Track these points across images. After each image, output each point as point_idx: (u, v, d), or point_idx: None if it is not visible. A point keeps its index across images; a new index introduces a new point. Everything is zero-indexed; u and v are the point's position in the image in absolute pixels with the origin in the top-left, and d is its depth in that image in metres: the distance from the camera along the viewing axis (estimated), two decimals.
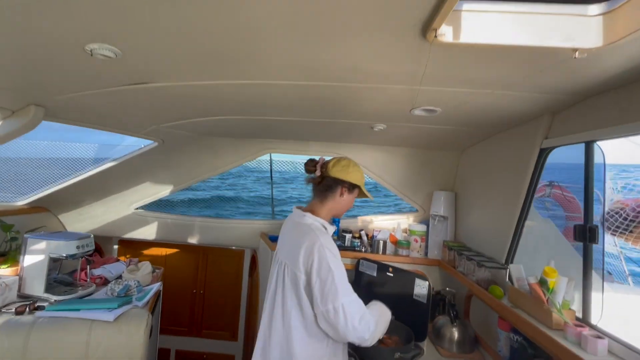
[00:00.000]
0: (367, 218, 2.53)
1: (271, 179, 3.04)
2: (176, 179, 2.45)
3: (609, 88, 1.08)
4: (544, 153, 1.42)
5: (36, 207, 2.29)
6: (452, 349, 1.65)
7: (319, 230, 1.24)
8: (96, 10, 0.73)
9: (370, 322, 1.14)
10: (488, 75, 1.03)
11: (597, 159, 1.20)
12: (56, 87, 1.16)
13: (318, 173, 1.36)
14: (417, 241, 2.21)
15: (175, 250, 3.08)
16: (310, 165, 1.39)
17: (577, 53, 0.83)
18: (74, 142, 2.91)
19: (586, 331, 1.06)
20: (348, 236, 2.29)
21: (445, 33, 0.78)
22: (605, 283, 2.41)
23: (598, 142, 1.18)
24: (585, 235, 1.14)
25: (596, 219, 1.19)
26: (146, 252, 3.04)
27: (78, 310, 1.47)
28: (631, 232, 0.92)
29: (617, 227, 0.93)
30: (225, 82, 1.22)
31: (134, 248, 3.01)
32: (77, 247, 1.72)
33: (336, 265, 1.15)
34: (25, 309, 1.51)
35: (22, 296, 1.66)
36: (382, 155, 2.32)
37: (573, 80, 1.04)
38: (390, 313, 1.33)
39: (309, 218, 1.29)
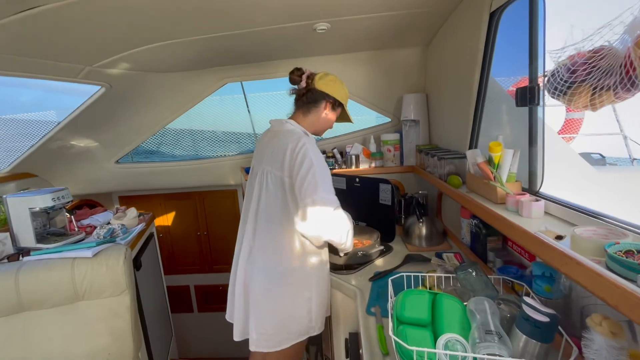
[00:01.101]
0: (340, 137, 2.46)
1: (248, 110, 2.96)
2: (143, 125, 2.42)
3: None
4: (494, 17, 1.24)
5: (22, 174, 2.37)
6: (420, 244, 1.69)
7: (303, 134, 1.23)
8: None
9: (346, 221, 1.17)
10: None
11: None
12: None
13: (303, 84, 1.31)
14: (390, 151, 2.15)
15: (173, 199, 3.21)
16: (296, 74, 1.32)
17: None
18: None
19: (524, 197, 1.03)
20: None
21: None
22: (595, 167, 2.31)
23: None
24: (526, 97, 1.04)
25: None
26: (145, 204, 3.19)
27: (60, 251, 1.58)
28: (565, 93, 0.80)
29: (555, 88, 0.82)
30: None
31: (133, 202, 3.16)
32: (53, 199, 1.80)
33: (319, 163, 1.16)
34: (18, 256, 1.65)
35: (19, 249, 1.81)
36: (341, 65, 2.13)
37: None
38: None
39: (290, 125, 1.27)
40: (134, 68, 1.87)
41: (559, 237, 0.79)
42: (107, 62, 1.68)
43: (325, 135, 2.19)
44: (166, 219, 3.28)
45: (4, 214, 2.05)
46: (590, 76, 0.83)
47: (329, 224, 1.15)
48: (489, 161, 1.20)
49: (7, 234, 1.80)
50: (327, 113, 1.31)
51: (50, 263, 1.52)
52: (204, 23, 1.44)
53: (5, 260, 1.63)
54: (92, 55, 1.57)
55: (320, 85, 1.27)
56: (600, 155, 2.82)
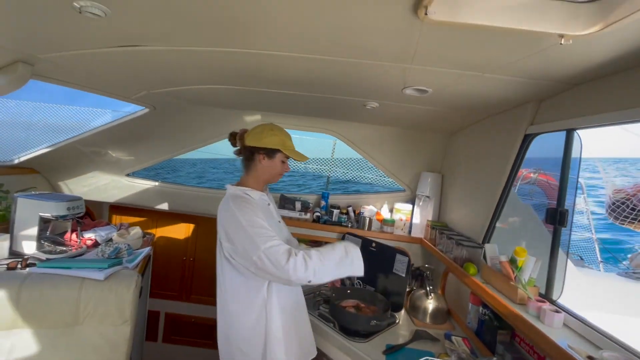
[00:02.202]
0: (355, 196, 2.59)
1: None
2: (168, 147, 2.44)
3: (592, 77, 1.11)
4: (527, 139, 1.46)
5: (25, 168, 2.28)
6: (425, 320, 1.76)
7: (236, 197, 1.30)
8: None
9: (305, 261, 1.16)
10: (477, 58, 1.05)
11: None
12: (44, 45, 1.14)
13: (238, 145, 1.42)
14: (402, 220, 2.28)
15: (166, 218, 3.12)
16: (231, 138, 1.44)
17: (562, 39, 0.84)
18: (69, 105, 2.85)
19: (546, 306, 1.15)
20: (336, 212, 2.35)
21: (437, 11, 0.79)
22: (576, 267, 2.54)
23: (578, 131, 1.23)
24: (556, 218, 1.21)
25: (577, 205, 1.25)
26: (137, 217, 3.07)
27: (69, 268, 1.51)
28: (633, 219, 0.98)
29: (626, 216, 1.00)
30: (217, 50, 1.21)
31: (125, 213, 3.04)
32: (68, 209, 1.75)
33: (247, 221, 1.21)
34: (17, 265, 1.55)
35: (14, 253, 1.69)
36: (373, 134, 2.34)
37: (559, 67, 1.06)
38: (355, 249, 1.30)
39: (230, 189, 1.37)
40: (182, 98, 1.95)
41: (591, 358, 0.90)
42: (164, 91, 1.75)
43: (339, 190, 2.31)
44: (154, 237, 3.16)
45: (6, 210, 1.94)
46: None
47: (284, 267, 1.15)
48: (512, 262, 1.34)
49: (7, 235, 1.70)
50: (265, 163, 1.36)
51: (58, 280, 1.44)
52: (270, 81, 1.58)
53: (4, 267, 1.52)
54: (155, 83, 1.65)
55: (247, 141, 1.35)
56: (580, 257, 3.13)
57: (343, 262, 1.24)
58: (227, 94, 1.85)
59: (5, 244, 1.69)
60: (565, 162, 1.23)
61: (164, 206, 2.81)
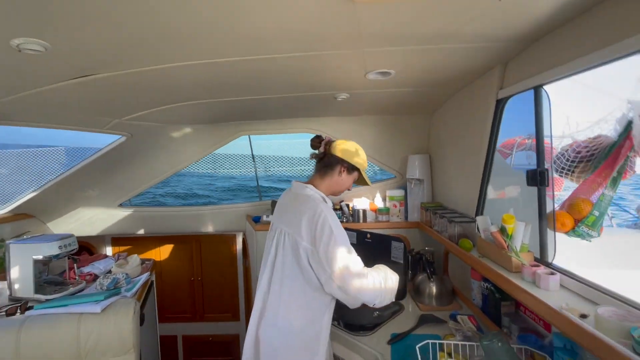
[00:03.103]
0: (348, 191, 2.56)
1: (253, 160, 3.05)
2: (154, 171, 2.45)
3: (546, 30, 1.07)
4: (500, 104, 1.42)
5: (19, 214, 2.31)
6: (431, 303, 1.72)
7: (320, 200, 1.29)
8: (15, 3, 0.72)
9: (373, 281, 1.21)
10: (424, 30, 1.02)
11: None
12: None
13: (322, 150, 1.41)
14: (396, 206, 2.25)
15: (168, 242, 3.14)
16: (316, 141, 1.44)
17: None
18: (50, 147, 2.89)
19: (540, 270, 1.12)
20: None
21: None
22: None
23: (547, 89, 1.19)
24: (537, 178, 1.17)
25: None
26: (139, 247, 3.10)
27: (66, 305, 1.52)
28: (572, 172, 0.95)
29: (563, 168, 0.97)
30: (174, 65, 1.21)
31: (127, 244, 3.06)
32: (60, 247, 1.76)
33: (338, 230, 1.21)
34: (16, 310, 1.56)
35: (14, 299, 1.71)
36: (354, 126, 2.32)
37: (510, 25, 1.03)
38: (396, 276, 1.36)
39: (310, 190, 1.34)
40: (157, 121, 1.96)
41: (584, 316, 0.87)
42: (135, 116, 1.76)
43: None
44: (159, 263, 3.18)
45: (1, 259, 1.96)
46: (593, 157, 0.97)
47: (360, 287, 1.19)
48: (502, 231, 1.30)
49: (5, 282, 1.72)
50: (342, 177, 1.38)
51: (55, 319, 1.45)
52: (233, 89, 1.57)
53: (3, 314, 1.53)
54: (123, 111, 1.65)
55: (336, 151, 1.37)
56: None
57: (392, 288, 1.31)
58: (198, 110, 1.85)
59: (4, 291, 1.70)
60: (538, 121, 1.20)
61: (162, 230, 2.82)
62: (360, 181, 1.48)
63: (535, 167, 1.22)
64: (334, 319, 1.60)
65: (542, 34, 1.11)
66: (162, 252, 3.15)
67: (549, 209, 1.21)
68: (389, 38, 1.08)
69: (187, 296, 3.21)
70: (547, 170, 1.16)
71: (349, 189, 1.47)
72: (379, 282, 1.22)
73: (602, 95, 1.07)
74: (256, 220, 2.37)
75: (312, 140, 1.44)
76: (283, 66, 1.29)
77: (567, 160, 0.96)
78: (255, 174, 3.19)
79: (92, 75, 1.19)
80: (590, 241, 1.09)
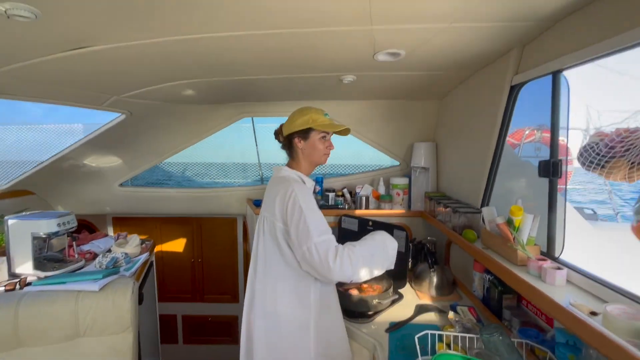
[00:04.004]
0: (350, 176, 2.52)
1: (255, 144, 3.00)
2: (154, 151, 2.42)
3: (571, 10, 1.00)
4: (514, 90, 1.36)
5: (19, 191, 2.29)
6: (431, 293, 1.71)
7: (294, 180, 1.27)
8: None
9: (350, 259, 1.14)
10: (440, 7, 0.96)
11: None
12: None
13: (280, 139, 1.39)
14: (399, 194, 2.21)
15: (169, 224, 3.14)
16: (275, 135, 1.42)
17: None
18: (55, 124, 2.85)
19: (546, 264, 1.08)
20: (331, 195, 2.29)
21: None
22: (588, 221, 2.43)
23: (567, 75, 1.12)
24: (549, 169, 1.12)
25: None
26: (141, 227, 3.10)
27: (64, 282, 1.52)
28: (603, 166, 0.89)
29: (591, 161, 0.91)
30: (172, 39, 1.15)
31: (128, 224, 3.07)
32: (59, 225, 1.74)
33: (308, 208, 1.18)
34: (15, 285, 1.57)
35: (14, 275, 1.71)
36: (359, 110, 2.25)
37: (532, 3, 0.95)
38: (393, 242, 1.29)
39: (285, 171, 1.32)
40: (157, 99, 1.90)
41: (594, 314, 0.84)
42: (134, 93, 1.71)
43: (334, 171, 2.24)
44: (160, 244, 3.19)
45: (1, 235, 1.96)
46: (628, 152, 0.91)
47: (331, 266, 1.14)
48: (509, 223, 1.26)
49: (4, 258, 1.72)
50: (302, 145, 1.32)
51: (54, 296, 1.45)
52: (236, 67, 1.51)
53: (2, 289, 1.54)
54: (122, 87, 1.60)
55: (284, 130, 1.35)
56: (592, 210, 2.99)
57: (382, 256, 1.24)
58: (199, 89, 1.79)
59: (4, 267, 1.70)
60: (554, 109, 1.13)
61: (163, 211, 2.81)
62: (329, 127, 1.31)
63: (546, 158, 1.17)
64: None
65: (565, 14, 1.03)
66: (164, 233, 3.16)
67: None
68: (401, 15, 1.01)
69: (187, 277, 3.24)
70: (560, 161, 1.10)
71: (330, 148, 1.36)
72: (359, 260, 1.16)
73: (632, 83, 1.00)
74: (257, 204, 2.35)
75: (274, 135, 1.43)
76: (288, 43, 1.23)
77: (598, 154, 0.90)
78: (258, 157, 3.14)
79: (88, 47, 1.14)
80: None
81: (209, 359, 3.26)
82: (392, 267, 1.27)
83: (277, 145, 1.46)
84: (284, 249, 1.23)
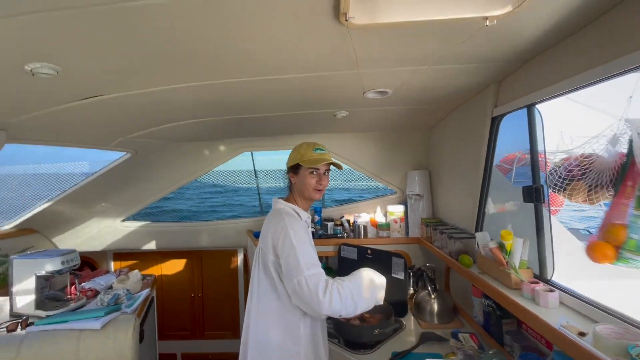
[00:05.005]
0: (348, 205, 2.58)
1: (255, 175, 3.09)
2: (157, 187, 2.49)
3: (538, 51, 1.11)
4: (495, 121, 1.45)
5: (24, 230, 2.34)
6: (432, 321, 1.70)
7: (287, 213, 1.31)
8: (29, 31, 0.77)
9: (339, 294, 1.17)
10: (418, 52, 1.07)
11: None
12: (9, 110, 1.20)
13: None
14: (396, 222, 2.26)
15: (169, 258, 3.14)
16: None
17: (487, 21, 0.86)
18: (56, 162, 2.95)
19: (538, 286, 1.11)
20: (330, 224, 2.34)
21: (356, 16, 0.82)
22: (582, 242, 2.45)
23: (539, 107, 1.22)
24: (532, 195, 1.19)
25: None
26: (141, 262, 3.10)
27: (66, 321, 1.52)
28: (564, 189, 0.96)
29: (555, 184, 0.99)
30: (179, 86, 1.26)
31: (128, 260, 3.07)
32: (62, 263, 1.77)
33: (299, 242, 1.22)
34: (17, 326, 1.57)
35: (15, 315, 1.71)
36: (354, 142, 2.36)
37: (500, 47, 1.07)
38: (381, 278, 1.33)
39: (280, 204, 1.37)
40: (160, 138, 2.01)
41: (582, 334, 0.86)
42: (139, 134, 1.81)
43: (332, 203, 2.29)
44: (160, 278, 3.17)
45: (4, 274, 1.98)
46: (584, 176, 0.98)
47: (321, 299, 1.16)
48: (501, 247, 1.31)
49: (6, 298, 1.73)
50: (295, 181, 1.38)
51: (56, 336, 1.45)
52: (235, 108, 1.62)
53: (4, 330, 1.54)
54: (128, 128, 1.71)
55: (287, 165, 1.43)
56: (589, 231, 3.00)
57: (369, 292, 1.27)
58: (201, 127, 1.90)
59: (6, 307, 1.71)
60: (532, 138, 1.22)
61: (164, 246, 2.83)
62: (311, 163, 1.33)
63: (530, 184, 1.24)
64: (333, 336, 1.60)
65: (533, 54, 1.15)
66: (164, 268, 3.15)
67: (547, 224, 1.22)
68: (383, 60, 1.13)
69: (187, 312, 3.18)
70: (542, 186, 1.17)
71: (322, 184, 1.36)
72: (346, 294, 1.19)
73: (596, 113, 1.10)
74: (257, 235, 2.38)
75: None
76: (285, 87, 1.34)
77: (559, 177, 0.98)
78: (257, 188, 3.22)
79: (99, 96, 1.24)
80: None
81: None
82: (380, 302, 1.30)
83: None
84: (276, 282, 1.26)
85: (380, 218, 2.36)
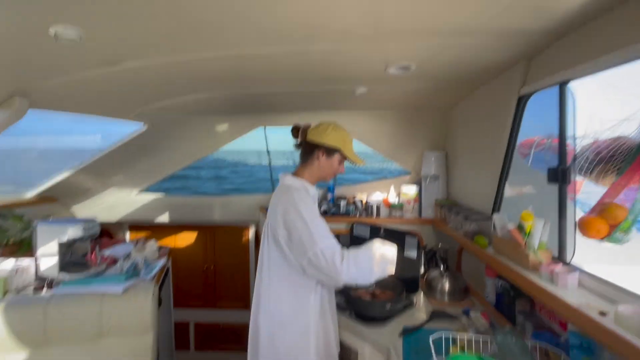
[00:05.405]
0: (361, 184, 2.57)
1: (267, 153, 3.09)
2: (172, 161, 2.52)
3: (578, 24, 1.05)
4: (522, 101, 1.41)
5: (44, 198, 2.40)
6: (443, 299, 1.73)
7: (296, 188, 1.31)
8: None
9: (356, 261, 1.20)
10: (450, 24, 1.02)
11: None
12: (33, 76, 1.20)
13: (299, 139, 1.41)
14: (409, 203, 2.25)
15: (183, 231, 3.21)
16: (294, 131, 1.44)
17: None
18: (76, 135, 2.99)
19: (558, 268, 1.11)
20: (343, 203, 2.34)
21: None
22: None
23: (573, 88, 1.17)
24: (558, 176, 1.16)
25: None
26: (155, 234, 3.17)
27: (90, 284, 1.59)
28: (592, 172, 0.94)
29: (581, 167, 0.96)
30: (200, 56, 1.24)
31: (143, 231, 3.15)
32: (84, 230, 1.84)
33: (309, 215, 1.23)
34: (43, 287, 1.64)
35: (40, 278, 1.79)
36: (370, 120, 2.32)
37: (538, 18, 1.01)
38: (392, 247, 1.35)
39: (289, 179, 1.37)
40: (178, 110, 2.01)
41: (602, 314, 0.86)
42: (158, 105, 1.81)
43: (345, 181, 2.29)
44: (174, 250, 3.25)
45: (28, 239, 2.05)
46: (613, 158, 0.95)
47: (338, 268, 1.19)
48: (520, 228, 1.30)
49: (32, 261, 1.80)
50: (322, 161, 1.36)
51: (80, 298, 1.51)
52: (253, 81, 1.60)
53: (31, 290, 1.61)
54: (147, 99, 1.70)
55: (310, 136, 1.36)
56: None
57: (382, 260, 1.29)
58: (217, 101, 1.89)
59: (31, 270, 1.78)
60: (562, 118, 1.18)
61: (178, 219, 2.89)
62: (353, 158, 1.40)
63: (555, 165, 1.21)
64: (344, 309, 1.63)
65: (571, 29, 1.09)
66: (177, 240, 3.23)
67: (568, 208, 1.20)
68: (412, 32, 1.08)
69: (200, 284, 3.29)
70: (569, 168, 1.14)
71: (341, 172, 1.42)
72: (362, 262, 1.22)
73: (628, 95, 1.05)
74: None
75: (291, 131, 1.45)
76: (307, 60, 1.31)
77: (586, 160, 0.95)
78: (269, 165, 3.22)
79: (121, 63, 1.23)
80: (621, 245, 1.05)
81: None
82: (392, 272, 1.31)
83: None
84: (287, 255, 1.27)
85: (392, 199, 2.35)
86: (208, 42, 1.10)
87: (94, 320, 1.48)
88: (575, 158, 1.04)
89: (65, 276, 1.77)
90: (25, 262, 1.76)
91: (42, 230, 1.80)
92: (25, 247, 2.03)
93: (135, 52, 1.14)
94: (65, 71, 1.20)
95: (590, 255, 1.17)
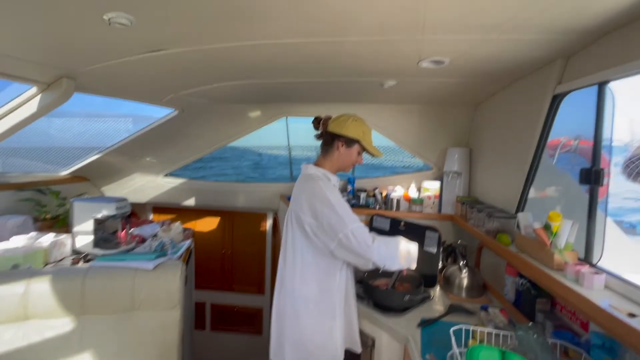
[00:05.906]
0: (382, 178, 2.59)
1: (288, 143, 3.13)
2: (199, 146, 2.59)
3: (622, 23, 1.03)
4: (556, 100, 1.39)
5: (77, 177, 2.52)
6: (460, 294, 1.74)
7: (319, 178, 1.37)
8: None
9: (385, 241, 1.30)
10: (492, 18, 1.02)
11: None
12: (82, 59, 1.27)
13: (320, 130, 1.47)
14: (430, 198, 2.26)
15: (203, 215, 3.32)
16: (315, 122, 1.50)
17: None
18: (106, 117, 3.10)
19: (585, 269, 1.11)
20: (363, 195, 2.37)
21: None
22: (627, 235, 2.37)
23: (613, 89, 1.15)
24: (591, 177, 1.15)
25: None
26: (178, 217, 3.29)
27: (124, 260, 1.68)
28: None
29: (638, 172, 0.95)
30: (237, 44, 1.27)
31: (166, 214, 3.27)
32: (117, 208, 1.93)
33: (336, 200, 1.29)
34: (80, 260, 1.75)
35: (75, 252, 1.91)
36: (395, 114, 2.32)
37: (581, 17, 1.00)
38: (414, 245, 1.41)
39: (311, 169, 1.43)
40: (208, 97, 2.06)
41: (632, 315, 0.87)
42: (190, 91, 1.86)
43: (365, 173, 2.31)
44: (194, 233, 3.36)
45: (65, 215, 2.18)
46: None
47: (370, 245, 1.27)
48: (546, 228, 1.30)
49: (69, 236, 1.91)
50: (342, 151, 1.41)
51: (114, 271, 1.60)
52: (287, 71, 1.62)
53: (68, 263, 1.72)
54: (181, 85, 1.75)
55: (331, 127, 1.41)
56: (631, 224, 2.88)
57: (406, 254, 1.37)
58: (249, 89, 1.92)
59: (68, 244, 1.90)
60: (599, 119, 1.16)
61: (200, 202, 2.99)
62: (372, 149, 1.45)
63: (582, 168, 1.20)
64: (362, 298, 1.67)
65: (613, 28, 1.06)
66: (198, 224, 3.34)
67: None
68: (451, 26, 1.08)
69: (217, 267, 3.40)
70: (602, 170, 1.13)
71: (359, 163, 1.48)
72: (391, 246, 1.31)
73: None
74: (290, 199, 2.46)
75: (312, 122, 1.50)
76: (339, 50, 1.32)
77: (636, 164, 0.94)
78: (289, 155, 3.26)
79: (163, 50, 1.28)
80: None
81: (233, 346, 3.40)
82: (413, 265, 1.39)
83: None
84: (312, 239, 1.34)
85: (412, 193, 2.36)
86: (252, 31, 1.13)
87: (126, 294, 1.57)
88: (626, 162, 1.03)
89: (99, 251, 1.88)
90: (63, 236, 1.87)
91: (78, 207, 1.91)
92: (60, 222, 2.15)
93: (179, 38, 1.18)
94: (111, 57, 1.25)
95: (616, 260, 1.16)
